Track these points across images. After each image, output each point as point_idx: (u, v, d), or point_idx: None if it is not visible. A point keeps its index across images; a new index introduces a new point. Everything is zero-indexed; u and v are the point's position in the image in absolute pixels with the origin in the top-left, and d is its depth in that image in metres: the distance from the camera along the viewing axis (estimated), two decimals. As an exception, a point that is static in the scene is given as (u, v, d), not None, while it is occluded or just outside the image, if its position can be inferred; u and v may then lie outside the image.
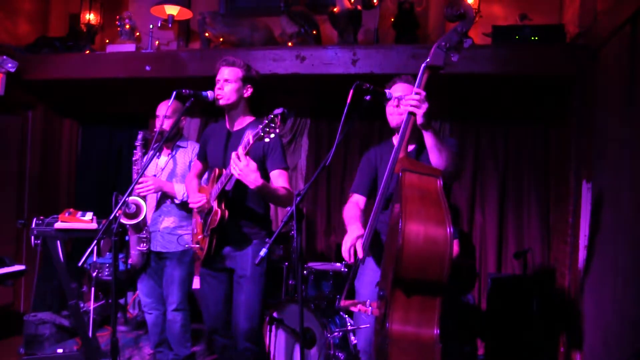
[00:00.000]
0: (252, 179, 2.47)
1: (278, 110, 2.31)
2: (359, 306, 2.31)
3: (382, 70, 3.96)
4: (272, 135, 2.32)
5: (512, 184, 4.64)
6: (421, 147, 2.47)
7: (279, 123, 2.31)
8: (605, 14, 3.37)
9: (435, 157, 2.26)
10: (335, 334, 3.30)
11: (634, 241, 2.79)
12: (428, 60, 2.23)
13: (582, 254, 3.60)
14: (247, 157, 2.47)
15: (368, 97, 2.31)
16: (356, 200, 2.75)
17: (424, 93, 2.19)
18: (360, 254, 2.33)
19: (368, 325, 2.68)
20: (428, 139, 2.26)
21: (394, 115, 2.56)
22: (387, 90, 2.47)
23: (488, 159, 4.68)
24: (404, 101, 2.23)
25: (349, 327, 3.37)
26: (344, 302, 2.38)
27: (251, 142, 2.43)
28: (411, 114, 2.21)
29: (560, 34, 3.86)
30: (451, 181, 2.34)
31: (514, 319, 3.90)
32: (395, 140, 2.67)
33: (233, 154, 2.50)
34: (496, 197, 4.64)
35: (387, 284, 2.04)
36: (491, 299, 4.07)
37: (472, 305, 4.28)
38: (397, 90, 2.56)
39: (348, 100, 2.20)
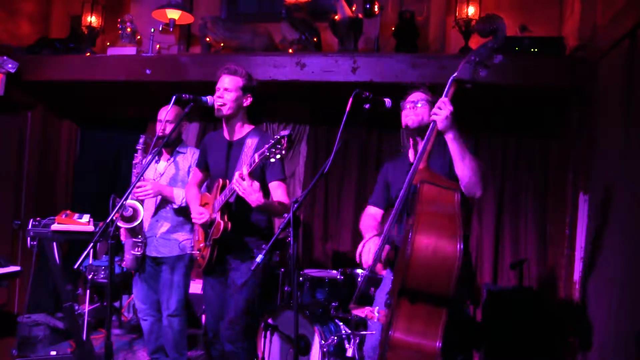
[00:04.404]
0: (255, 198, 2.54)
1: (285, 132, 2.34)
2: (366, 312, 2.31)
3: (382, 79, 3.97)
4: (278, 156, 2.38)
5: (510, 194, 4.65)
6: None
7: (285, 145, 2.34)
8: (604, 28, 3.39)
9: (459, 163, 2.24)
10: (330, 341, 3.30)
11: (630, 254, 2.80)
12: (456, 74, 2.24)
13: (578, 265, 3.60)
14: (251, 176, 2.54)
15: (367, 106, 2.32)
16: (373, 213, 2.77)
17: (447, 99, 2.21)
18: (369, 263, 2.34)
19: (368, 333, 2.67)
20: (450, 144, 2.25)
21: (410, 116, 2.55)
22: (386, 99, 2.48)
23: (486, 168, 4.67)
24: (432, 112, 2.23)
25: (344, 334, 3.37)
26: (352, 307, 2.38)
27: (257, 161, 2.48)
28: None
29: (560, 46, 3.88)
30: (474, 192, 2.26)
31: (509, 330, 3.89)
32: (411, 154, 2.68)
33: (237, 174, 2.55)
34: (493, 207, 4.64)
35: (395, 293, 2.04)
36: (487, 310, 4.06)
37: (467, 316, 4.27)
38: (415, 96, 2.59)
39: (347, 108, 2.21)
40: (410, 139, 2.64)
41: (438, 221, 1.96)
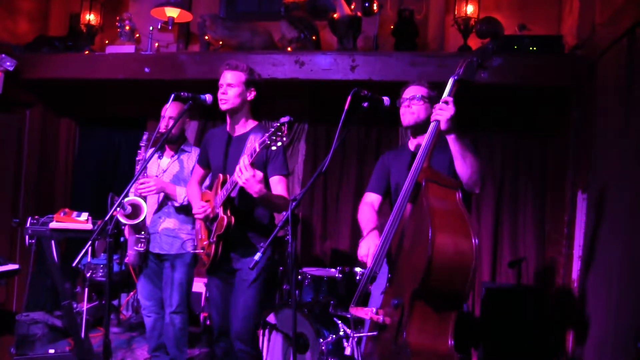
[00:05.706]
0: (257, 189, 2.51)
1: (285, 119, 2.31)
2: (369, 314, 2.30)
3: (381, 77, 3.97)
4: (279, 144, 2.34)
5: (509, 193, 4.64)
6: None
7: (286, 131, 2.32)
8: (603, 27, 3.39)
9: (459, 163, 2.29)
10: (329, 339, 3.30)
11: (628, 253, 2.80)
12: (460, 72, 2.26)
13: (576, 264, 3.61)
14: (253, 167, 2.49)
15: (366, 104, 2.32)
16: (371, 201, 2.76)
17: (451, 99, 2.23)
18: (369, 264, 2.33)
19: (367, 334, 2.65)
20: (452, 144, 2.28)
21: (406, 114, 2.59)
22: (385, 98, 2.48)
23: (485, 167, 4.68)
24: (434, 112, 2.25)
25: (342, 334, 3.37)
26: (353, 309, 2.37)
27: (257, 150, 2.44)
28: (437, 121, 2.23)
29: (559, 45, 3.88)
30: (474, 189, 2.35)
31: (507, 329, 3.89)
32: (411, 144, 2.69)
33: (240, 162, 2.51)
34: (492, 205, 4.64)
35: (406, 293, 2.03)
36: (485, 308, 4.07)
37: (465, 314, 4.28)
38: (409, 92, 2.61)
39: (346, 107, 2.21)
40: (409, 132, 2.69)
41: (450, 219, 1.99)
